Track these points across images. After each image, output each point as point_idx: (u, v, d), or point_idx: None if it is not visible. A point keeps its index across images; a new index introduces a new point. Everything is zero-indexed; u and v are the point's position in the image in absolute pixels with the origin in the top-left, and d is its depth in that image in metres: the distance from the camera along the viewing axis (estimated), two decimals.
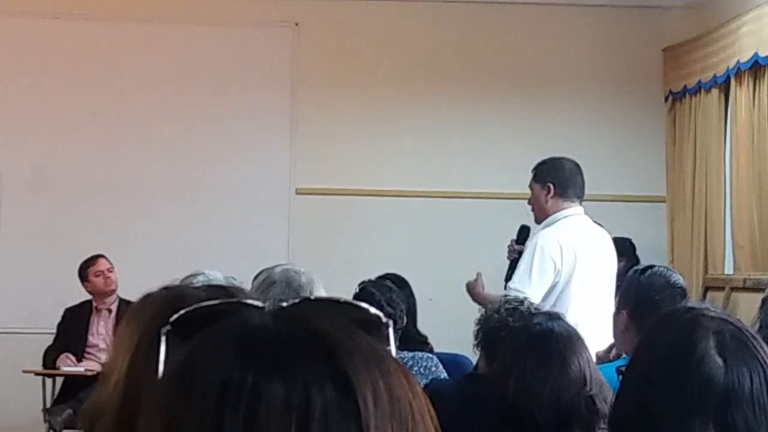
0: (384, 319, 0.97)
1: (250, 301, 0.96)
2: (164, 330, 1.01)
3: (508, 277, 6.73)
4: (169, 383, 0.89)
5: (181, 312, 1.00)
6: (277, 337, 0.88)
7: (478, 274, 6.04)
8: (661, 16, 9.46)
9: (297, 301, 0.95)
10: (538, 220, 5.79)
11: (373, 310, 0.98)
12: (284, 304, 0.95)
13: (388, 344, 0.97)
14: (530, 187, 5.80)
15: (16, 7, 9.07)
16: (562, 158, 5.78)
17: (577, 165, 5.72)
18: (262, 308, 0.95)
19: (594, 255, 5.59)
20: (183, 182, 9.14)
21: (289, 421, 0.83)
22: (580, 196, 5.66)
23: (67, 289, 8.31)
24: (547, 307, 5.05)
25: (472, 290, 5.98)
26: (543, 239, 5.52)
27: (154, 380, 0.94)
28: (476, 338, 4.14)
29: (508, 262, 6.67)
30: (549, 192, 5.62)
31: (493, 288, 7.59)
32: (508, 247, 6.87)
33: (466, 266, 9.06)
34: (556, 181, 5.62)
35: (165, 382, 0.90)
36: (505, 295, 5.27)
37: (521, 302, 4.03)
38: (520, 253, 6.49)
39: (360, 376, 0.85)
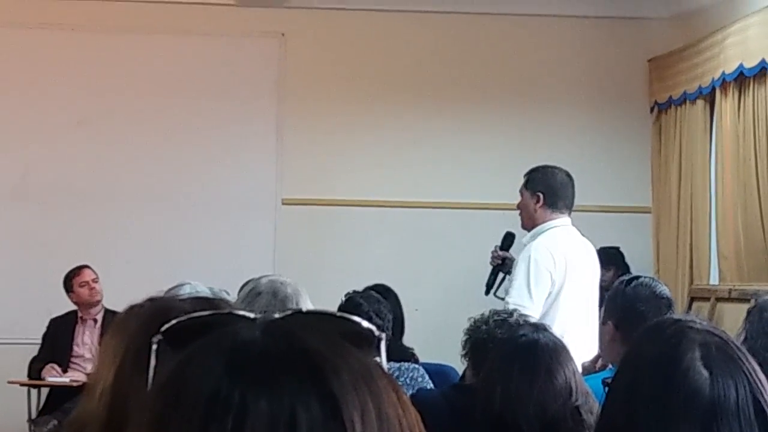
0: (377, 333, 0.97)
1: (241, 313, 0.96)
2: (155, 339, 1.01)
3: (490, 283, 6.73)
4: (158, 396, 0.89)
5: (173, 322, 1.00)
6: (265, 352, 0.87)
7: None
8: (647, 27, 9.48)
9: (289, 313, 0.95)
10: (526, 227, 5.78)
11: (365, 323, 0.97)
12: (276, 315, 0.95)
13: (380, 357, 0.96)
14: (520, 192, 5.78)
15: (2, 17, 9.05)
16: (555, 168, 5.76)
17: (569, 176, 5.71)
18: (253, 320, 0.94)
19: (582, 266, 5.60)
20: (169, 192, 9.13)
21: None
22: (569, 207, 5.66)
23: (52, 300, 8.29)
24: (537, 317, 5.06)
25: None
26: (535, 251, 5.51)
27: (140, 391, 0.94)
28: (464, 348, 4.14)
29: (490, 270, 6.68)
30: (538, 201, 5.62)
31: (475, 297, 7.60)
32: (492, 252, 6.87)
33: (452, 276, 9.09)
34: (546, 191, 5.61)
35: (153, 395, 0.90)
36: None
37: (510, 314, 4.03)
38: (503, 260, 6.49)
39: (348, 396, 0.85)
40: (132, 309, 1.87)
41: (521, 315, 4.07)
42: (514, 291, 5.45)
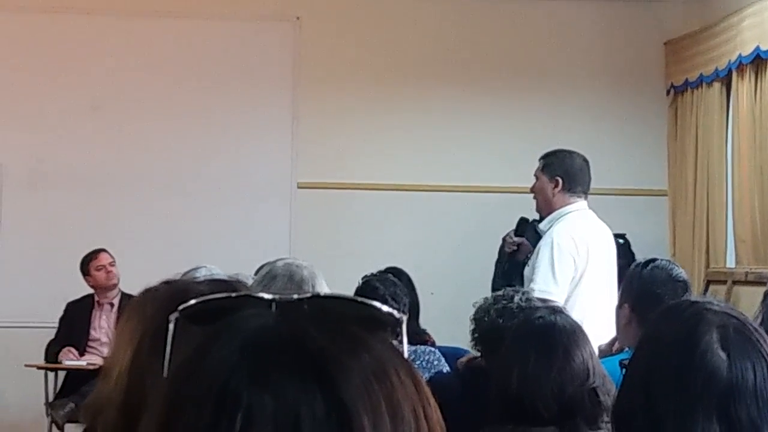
0: (397, 316, 0.96)
1: (258, 295, 0.95)
2: (173, 317, 1.00)
3: (507, 270, 6.71)
4: (171, 384, 0.89)
5: (191, 302, 0.99)
6: (276, 351, 0.86)
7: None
8: (663, 9, 9.45)
9: (307, 296, 0.94)
10: (542, 211, 5.75)
11: (385, 308, 0.96)
12: (294, 296, 0.94)
13: (401, 341, 0.95)
14: (536, 175, 5.74)
15: (16, 2, 9.06)
16: (573, 152, 5.72)
17: (585, 160, 5.68)
18: (270, 303, 0.94)
19: (601, 250, 5.58)
20: (185, 176, 9.14)
21: None
22: (586, 192, 5.63)
23: (69, 284, 8.32)
24: (562, 303, 5.04)
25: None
26: (558, 236, 5.48)
27: (156, 374, 0.94)
28: (472, 338, 4.14)
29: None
30: (557, 186, 5.58)
31: (489, 279, 7.58)
32: (505, 239, 6.85)
33: (467, 260, 9.08)
34: (565, 175, 5.57)
35: (168, 383, 0.90)
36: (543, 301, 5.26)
37: (510, 299, 4.02)
38: (518, 246, 6.47)
39: (358, 403, 0.84)
40: (148, 292, 1.86)
41: (524, 298, 4.06)
42: (539, 277, 5.40)
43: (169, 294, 1.77)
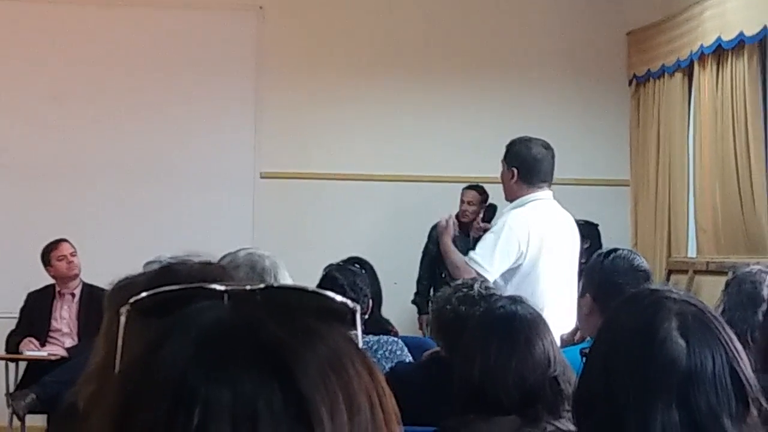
0: (351, 305, 0.96)
1: (211, 286, 0.95)
2: (123, 310, 1.00)
3: (434, 256, 6.73)
4: (126, 379, 0.88)
5: (142, 295, 0.99)
6: (231, 343, 0.86)
7: (450, 217, 5.79)
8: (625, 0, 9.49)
9: (261, 287, 0.94)
10: (508, 199, 5.76)
11: (339, 298, 0.96)
12: (247, 287, 0.93)
13: (355, 330, 0.95)
14: (501, 163, 5.75)
15: None
16: (532, 141, 5.69)
17: (546, 147, 5.65)
18: (222, 293, 0.93)
19: (561, 240, 5.58)
20: (146, 166, 9.10)
21: None
22: (547, 180, 5.62)
23: (29, 274, 8.26)
24: (510, 289, 5.06)
25: (441, 236, 5.78)
26: (512, 219, 5.49)
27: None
28: (432, 329, 4.14)
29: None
30: (513, 176, 5.59)
31: None
32: (474, 223, 6.87)
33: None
34: (521, 166, 5.57)
35: (122, 377, 0.89)
36: (467, 262, 5.29)
37: (470, 287, 4.03)
38: (486, 231, 6.49)
39: (316, 395, 0.83)
40: (121, 282, 1.87)
41: (483, 286, 4.07)
42: (480, 249, 5.43)
43: (143, 284, 1.76)
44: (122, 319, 1.01)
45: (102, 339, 1.77)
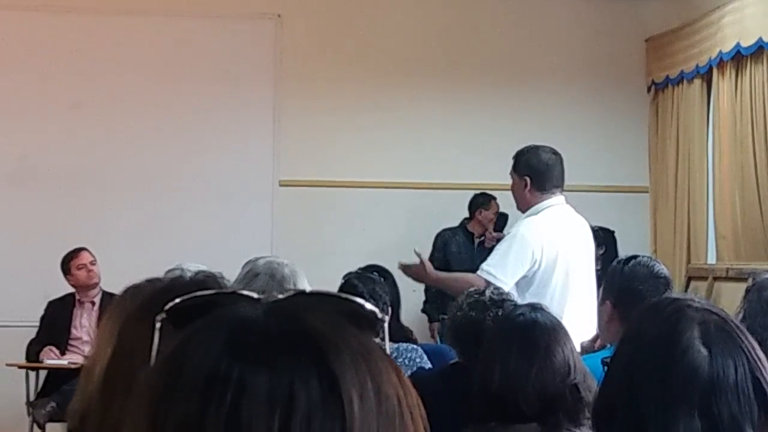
0: (380, 315, 0.97)
1: (245, 292, 0.96)
2: (159, 318, 1.00)
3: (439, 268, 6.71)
4: (158, 374, 0.89)
5: (177, 301, 0.99)
6: (266, 331, 0.87)
7: (418, 254, 5.59)
8: (644, 6, 9.47)
9: (291, 294, 0.95)
10: (521, 209, 5.76)
11: (368, 305, 0.97)
12: (280, 296, 0.94)
13: (383, 339, 0.96)
14: (510, 175, 5.76)
15: None
16: (540, 148, 5.69)
17: (555, 153, 5.65)
18: (257, 300, 0.94)
19: (576, 246, 5.57)
20: (166, 174, 9.12)
21: (272, 416, 0.83)
22: (559, 186, 5.61)
23: (49, 282, 8.29)
24: (527, 297, 5.05)
25: (421, 276, 5.70)
26: (526, 228, 5.48)
27: (136, 372, 0.93)
28: (447, 337, 4.13)
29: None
30: (526, 186, 5.59)
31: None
32: (486, 234, 6.86)
33: None
34: (533, 174, 5.56)
35: (154, 373, 0.90)
36: (478, 274, 5.28)
37: (482, 293, 4.03)
38: (498, 240, 6.48)
39: (347, 375, 0.85)
40: (129, 290, 1.86)
41: (496, 292, 4.07)
42: (492, 259, 5.41)
43: (152, 292, 1.76)
44: (157, 325, 1.01)
45: (105, 343, 1.76)
